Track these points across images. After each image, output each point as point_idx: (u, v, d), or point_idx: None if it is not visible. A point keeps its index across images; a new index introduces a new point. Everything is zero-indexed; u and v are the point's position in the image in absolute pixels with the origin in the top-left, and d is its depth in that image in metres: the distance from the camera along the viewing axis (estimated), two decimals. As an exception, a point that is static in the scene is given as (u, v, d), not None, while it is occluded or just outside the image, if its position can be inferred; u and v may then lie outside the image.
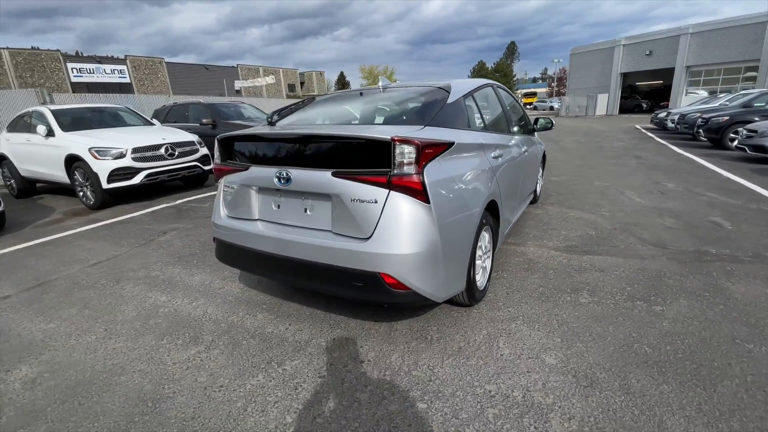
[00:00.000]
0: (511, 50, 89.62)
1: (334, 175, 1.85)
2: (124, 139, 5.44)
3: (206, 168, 6.45)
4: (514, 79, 76.56)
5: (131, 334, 2.32)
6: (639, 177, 6.34)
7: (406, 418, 1.61)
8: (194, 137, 6.37)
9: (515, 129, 3.36)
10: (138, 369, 2.01)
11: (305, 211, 2.03)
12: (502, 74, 72.06)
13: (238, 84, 40.69)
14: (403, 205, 1.74)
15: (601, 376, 1.80)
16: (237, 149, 2.32)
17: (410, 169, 1.72)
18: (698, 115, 11.37)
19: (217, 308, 2.58)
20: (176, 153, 5.85)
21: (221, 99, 13.57)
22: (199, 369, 1.98)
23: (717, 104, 12.73)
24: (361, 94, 2.74)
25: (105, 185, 5.17)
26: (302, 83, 54.65)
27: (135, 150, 5.35)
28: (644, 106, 32.61)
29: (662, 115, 15.21)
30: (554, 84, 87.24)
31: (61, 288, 3.00)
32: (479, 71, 74.19)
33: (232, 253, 2.36)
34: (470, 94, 2.54)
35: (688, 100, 25.10)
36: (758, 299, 2.38)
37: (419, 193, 1.74)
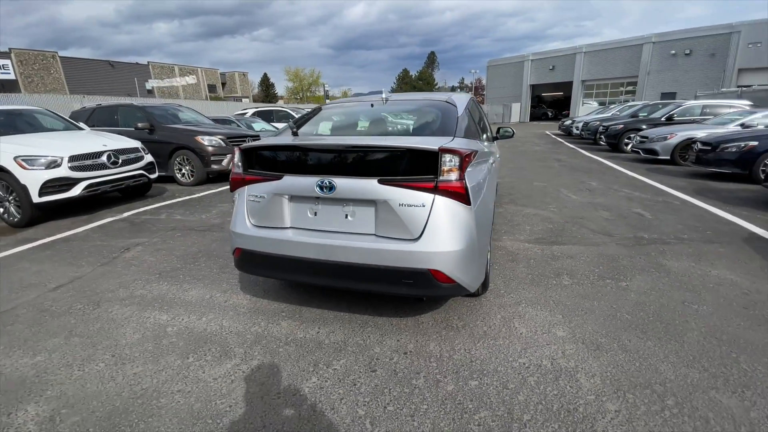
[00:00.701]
0: (432, 59, 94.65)
1: (380, 182, 1.99)
2: (57, 146, 4.77)
3: (152, 176, 5.93)
4: (436, 87, 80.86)
5: (147, 357, 2.17)
6: (566, 177, 7.35)
7: (466, 395, 1.81)
8: (137, 143, 5.82)
9: (490, 136, 3.79)
10: (176, 390, 1.91)
11: (346, 217, 2.12)
12: (426, 82, 75.86)
13: (150, 83, 36.91)
14: (448, 208, 1.95)
15: (603, 341, 2.20)
16: (266, 158, 2.32)
17: (455, 176, 1.94)
18: (599, 123, 13.38)
19: (233, 321, 2.51)
20: (120, 161, 5.29)
21: (152, 101, 12.36)
22: (247, 380, 1.95)
23: (610, 114, 15.11)
24: (372, 105, 2.88)
25: (36, 199, 4.49)
26: (224, 84, 51.47)
27: (73, 158, 4.73)
28: (550, 114, 37.08)
29: (568, 122, 17.54)
30: (471, 93, 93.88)
31: (27, 317, 2.62)
32: (404, 78, 77.16)
33: (260, 262, 2.34)
34: (467, 107, 2.85)
35: (584, 110, 29.11)
36: (689, 271, 3.05)
37: (462, 196, 1.97)
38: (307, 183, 2.12)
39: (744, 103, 11.52)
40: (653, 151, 9.22)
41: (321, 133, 2.65)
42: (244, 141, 7.71)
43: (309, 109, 3.28)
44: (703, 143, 7.37)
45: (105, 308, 2.72)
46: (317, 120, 2.83)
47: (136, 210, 5.38)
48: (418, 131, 2.56)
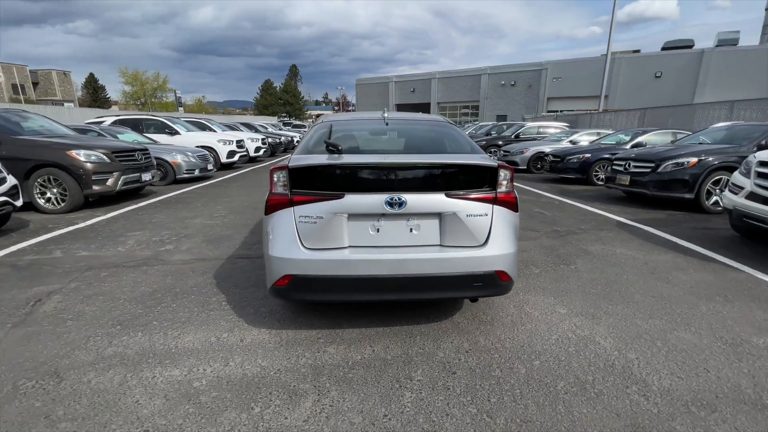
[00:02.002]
0: (294, 72, 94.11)
1: (447, 196, 2.14)
2: None
3: (17, 204, 4.48)
4: (302, 99, 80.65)
5: (198, 421, 1.79)
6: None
7: (539, 373, 2.12)
8: (-9, 161, 4.32)
9: None
10: (268, 444, 1.66)
11: (411, 231, 2.19)
12: (292, 95, 75.00)
13: None
14: (504, 215, 2.24)
15: (592, 311, 2.82)
16: (323, 177, 2.22)
17: (509, 187, 2.25)
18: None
19: (270, 359, 2.24)
20: (-30, 185, 3.85)
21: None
22: (341, 413, 1.83)
23: (468, 132, 17.98)
24: (387, 123, 2.92)
25: None
26: (36, 84, 40.43)
27: None
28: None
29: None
30: (338, 108, 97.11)
31: (-57, 418, 1.78)
32: (267, 90, 74.56)
33: (316, 287, 2.17)
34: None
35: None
36: (603, 252, 4.08)
37: (514, 205, 2.29)
38: (374, 200, 2.12)
39: (563, 125, 15.34)
40: (515, 163, 11.44)
41: (363, 150, 2.60)
42: (134, 156, 6.47)
43: (306, 124, 3.09)
44: (554, 156, 9.60)
45: (76, 379, 2.06)
46: (339, 137, 2.75)
47: (6, 250, 3.98)
48: (454, 149, 2.77)
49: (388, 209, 2.13)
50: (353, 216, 2.18)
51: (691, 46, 29.56)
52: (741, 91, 22.53)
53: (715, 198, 5.82)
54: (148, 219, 5.37)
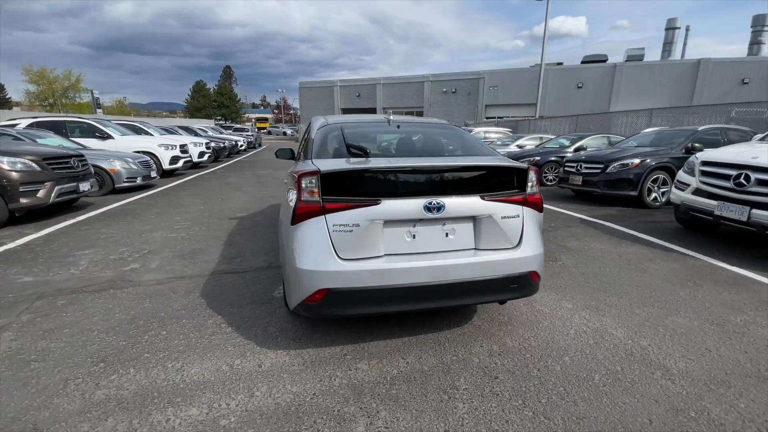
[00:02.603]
0: (228, 73, 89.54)
1: (482, 198, 2.12)
2: None
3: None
4: (239, 102, 76.88)
5: (239, 464, 1.55)
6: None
7: (573, 368, 2.17)
8: None
9: None
10: (334, 480, 1.49)
11: (446, 236, 2.12)
12: (227, 97, 71.11)
13: None
14: (532, 216, 2.28)
15: (594, 304, 2.98)
16: (357, 183, 2.07)
17: (535, 189, 2.29)
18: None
19: (299, 383, 2.04)
20: None
21: None
22: (404, 432, 1.71)
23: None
24: (398, 126, 2.82)
25: None
26: None
27: None
28: (359, 134, 41.46)
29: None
30: (277, 111, 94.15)
31: None
32: (199, 91, 69.94)
33: (353, 300, 2.01)
34: None
35: (389, 132, 34.10)
36: (581, 247, 4.36)
37: (539, 206, 2.33)
38: (412, 205, 2.02)
39: (506, 130, 16.33)
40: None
41: (389, 155, 2.46)
42: (69, 163, 5.64)
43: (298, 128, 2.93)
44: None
45: (71, 428, 1.69)
46: (353, 141, 2.59)
47: None
48: (477, 151, 2.74)
49: (426, 214, 2.05)
50: (389, 222, 2.06)
51: (605, 61, 33.30)
52: (648, 100, 25.89)
53: (654, 194, 6.55)
54: (95, 235, 4.68)
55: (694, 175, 4.55)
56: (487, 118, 31.88)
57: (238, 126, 33.26)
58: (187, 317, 2.70)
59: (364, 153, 2.23)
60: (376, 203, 2.03)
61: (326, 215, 2.02)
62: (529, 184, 2.29)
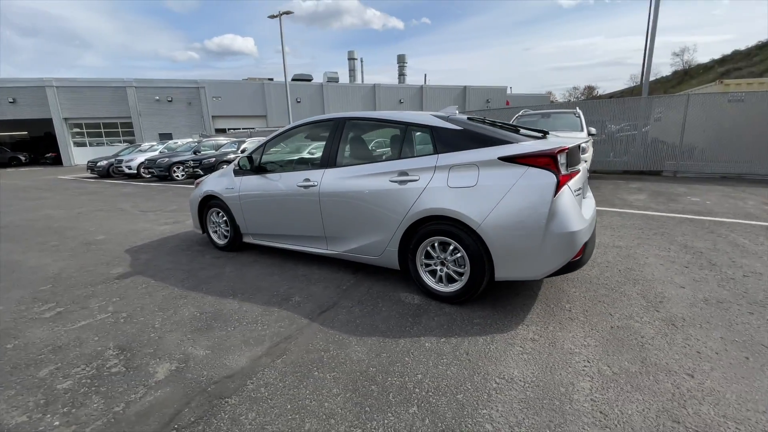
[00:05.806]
0: None
1: None
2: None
3: None
4: None
5: None
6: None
7: (615, 354, 2.25)
8: None
9: None
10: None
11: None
12: None
13: None
14: None
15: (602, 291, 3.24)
16: (571, 157, 2.46)
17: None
18: (168, 159, 12.59)
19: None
20: None
21: None
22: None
23: (157, 152, 14.83)
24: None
25: None
26: None
27: None
28: (23, 159, 28.88)
29: (104, 163, 15.05)
30: None
31: None
32: None
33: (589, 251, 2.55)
34: None
35: (82, 151, 25.97)
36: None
37: None
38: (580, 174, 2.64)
39: (234, 139, 15.70)
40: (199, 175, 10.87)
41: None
42: None
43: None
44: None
45: None
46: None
47: None
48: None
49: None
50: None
51: (310, 80, 38.06)
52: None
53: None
54: None
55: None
56: (216, 130, 29.70)
57: None
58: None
59: (544, 134, 2.70)
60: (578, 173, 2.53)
61: (568, 184, 2.35)
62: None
